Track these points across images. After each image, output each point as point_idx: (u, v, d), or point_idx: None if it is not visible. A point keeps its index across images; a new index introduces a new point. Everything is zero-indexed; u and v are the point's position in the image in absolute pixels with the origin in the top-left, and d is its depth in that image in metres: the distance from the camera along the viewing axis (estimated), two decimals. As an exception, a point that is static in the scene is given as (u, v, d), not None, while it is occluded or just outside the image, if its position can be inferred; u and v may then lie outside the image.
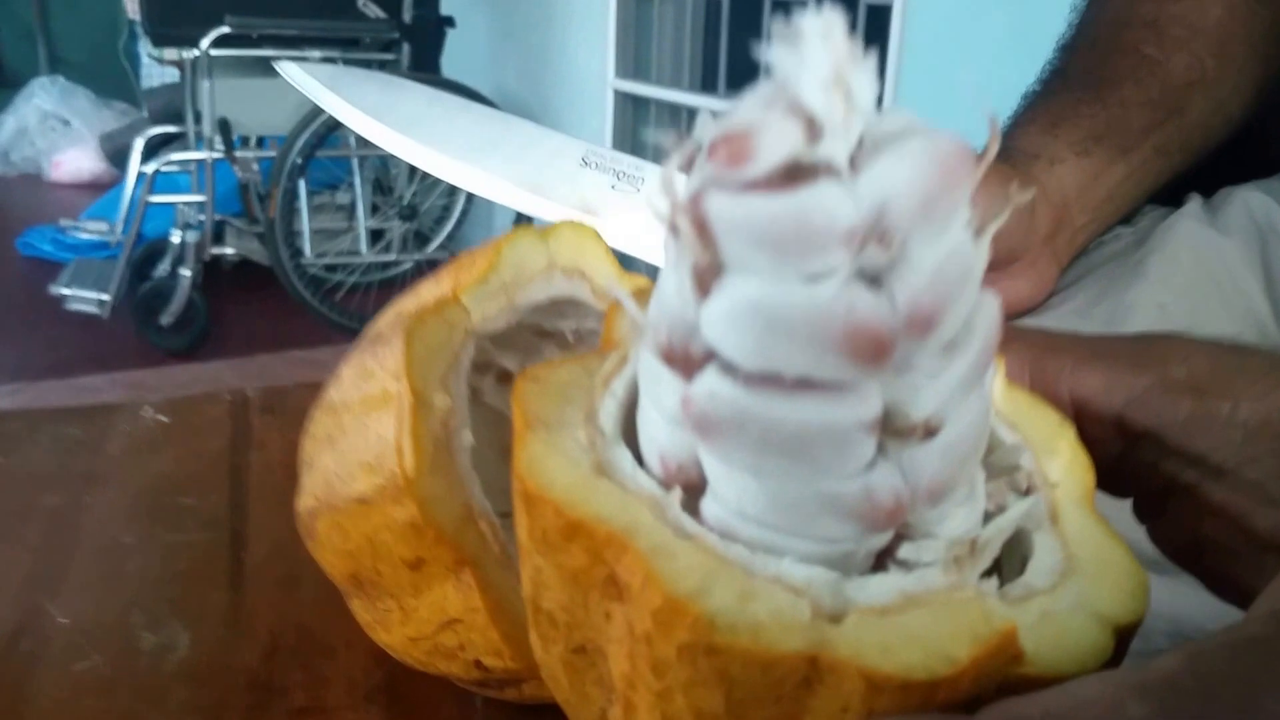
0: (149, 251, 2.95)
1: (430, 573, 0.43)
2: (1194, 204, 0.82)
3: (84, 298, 2.82)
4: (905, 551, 0.32)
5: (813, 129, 0.27)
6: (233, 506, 0.64)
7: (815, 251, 0.27)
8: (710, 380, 0.29)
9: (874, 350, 0.28)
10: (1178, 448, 0.38)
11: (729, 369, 0.29)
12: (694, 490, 0.33)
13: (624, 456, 0.34)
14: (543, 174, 0.73)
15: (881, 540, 0.32)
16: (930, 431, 0.30)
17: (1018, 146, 0.82)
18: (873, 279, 0.28)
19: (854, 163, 0.27)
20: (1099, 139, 0.81)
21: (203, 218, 2.89)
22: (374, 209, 3.44)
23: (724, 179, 0.27)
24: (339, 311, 3.14)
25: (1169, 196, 0.85)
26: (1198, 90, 0.84)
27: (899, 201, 0.27)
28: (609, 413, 0.35)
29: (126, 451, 0.72)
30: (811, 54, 0.27)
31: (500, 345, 0.49)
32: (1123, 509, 0.42)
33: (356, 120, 0.75)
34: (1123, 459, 0.40)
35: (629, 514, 0.31)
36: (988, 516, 0.35)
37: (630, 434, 0.35)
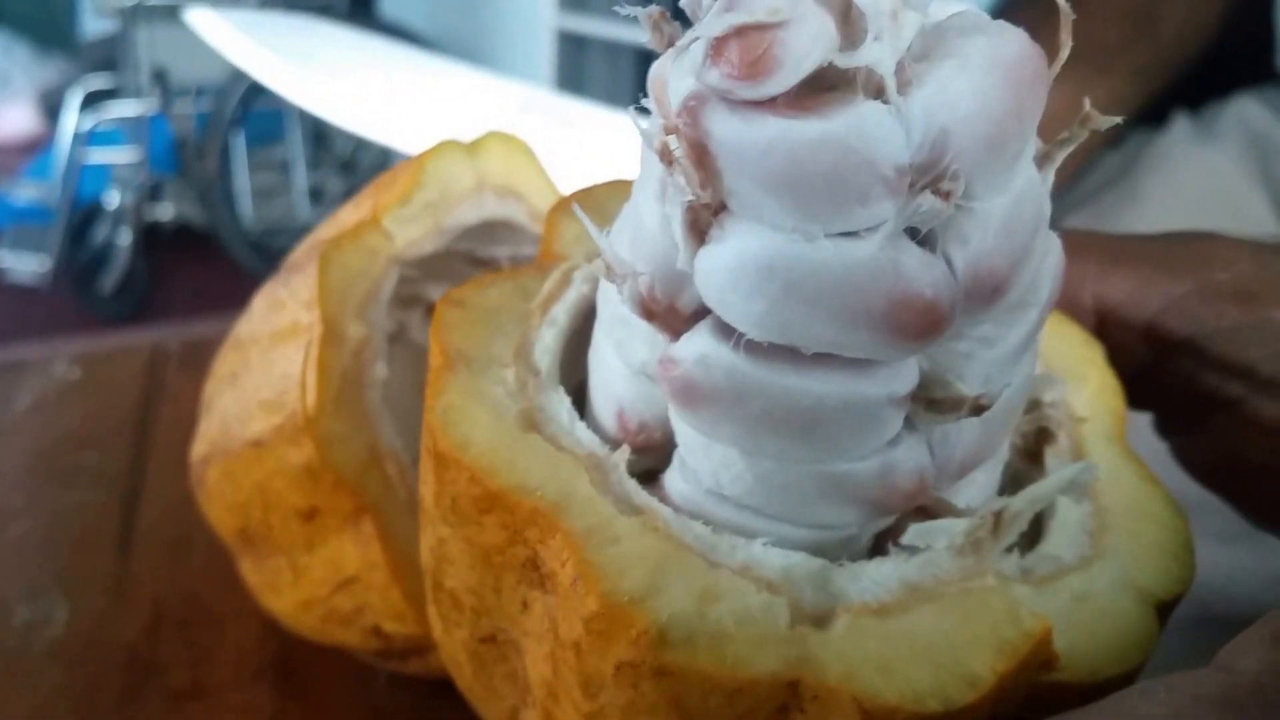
0: (87, 215, 2.79)
1: (325, 524, 0.37)
2: (1182, 121, 0.76)
3: (22, 267, 2.67)
4: (911, 536, 0.24)
5: (852, 24, 0.20)
6: (133, 464, 0.58)
7: (853, 198, 0.20)
8: (701, 343, 0.22)
9: (925, 327, 0.21)
10: (1221, 358, 0.32)
11: (727, 333, 0.22)
12: (654, 452, 0.26)
13: (561, 404, 0.26)
14: (476, 127, 0.66)
15: (889, 520, 0.25)
16: (980, 409, 0.23)
17: None
18: (926, 234, 0.21)
19: (903, 74, 0.20)
20: (1074, 58, 0.75)
21: (139, 178, 2.72)
22: (315, 164, 3.22)
23: (733, 92, 0.20)
24: (284, 274, 2.98)
25: (1153, 115, 0.79)
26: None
27: (964, 129, 0.20)
28: (546, 346, 0.28)
29: (32, 408, 0.66)
30: None
31: (429, 274, 0.42)
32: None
33: (271, 73, 0.67)
34: (1152, 371, 0.34)
35: (561, 482, 0.24)
36: (1013, 478, 0.28)
37: (572, 369, 0.28)
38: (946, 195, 0.20)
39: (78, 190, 2.68)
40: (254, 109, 2.79)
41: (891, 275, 0.20)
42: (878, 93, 0.20)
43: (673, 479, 0.25)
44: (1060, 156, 0.23)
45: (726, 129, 0.20)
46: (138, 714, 0.42)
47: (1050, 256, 0.24)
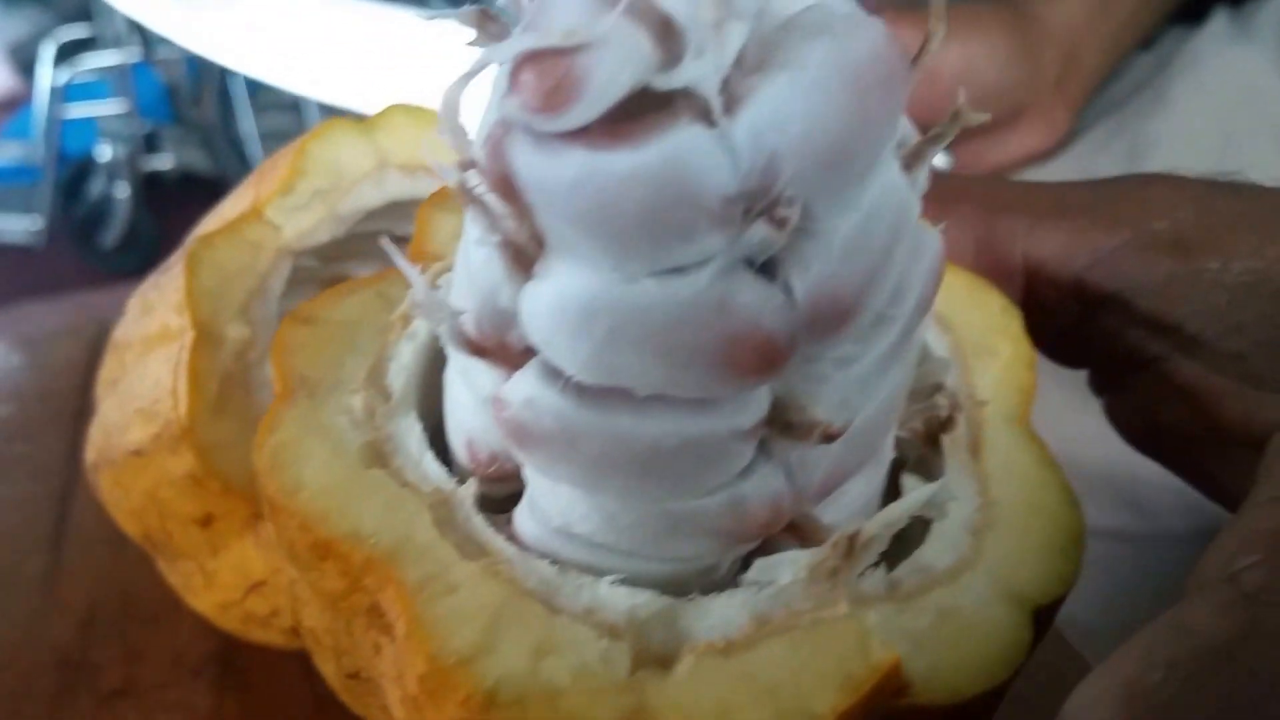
0: (78, 170, 2.73)
1: (223, 529, 0.35)
2: (1220, 18, 0.71)
3: (12, 227, 2.63)
4: (755, 572, 0.23)
5: (669, 39, 0.17)
6: (69, 455, 0.55)
7: (673, 235, 0.18)
8: (528, 385, 0.20)
9: (761, 364, 0.19)
10: (1148, 314, 0.31)
11: (555, 374, 0.20)
12: (510, 481, 0.24)
13: (411, 431, 0.24)
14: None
15: (750, 546, 0.23)
16: (830, 437, 0.21)
17: None
18: (763, 262, 0.19)
19: (731, 90, 0.17)
20: None
21: (130, 129, 2.65)
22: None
23: (533, 125, 0.17)
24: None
25: (1193, 11, 0.73)
26: None
27: (797, 152, 0.17)
28: (403, 364, 0.26)
29: (-31, 397, 0.62)
30: None
31: (348, 255, 0.39)
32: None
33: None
34: (1080, 327, 0.33)
35: (399, 526, 0.22)
36: (901, 457, 0.27)
37: (438, 386, 0.26)
38: (782, 223, 0.17)
39: (64, 146, 2.62)
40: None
41: (723, 312, 0.18)
42: (705, 113, 0.17)
43: (522, 517, 0.23)
44: (932, 154, 0.21)
45: (531, 164, 0.18)
46: (68, 716, 0.41)
47: (921, 261, 0.21)
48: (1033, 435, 0.28)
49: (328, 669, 0.26)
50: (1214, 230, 0.30)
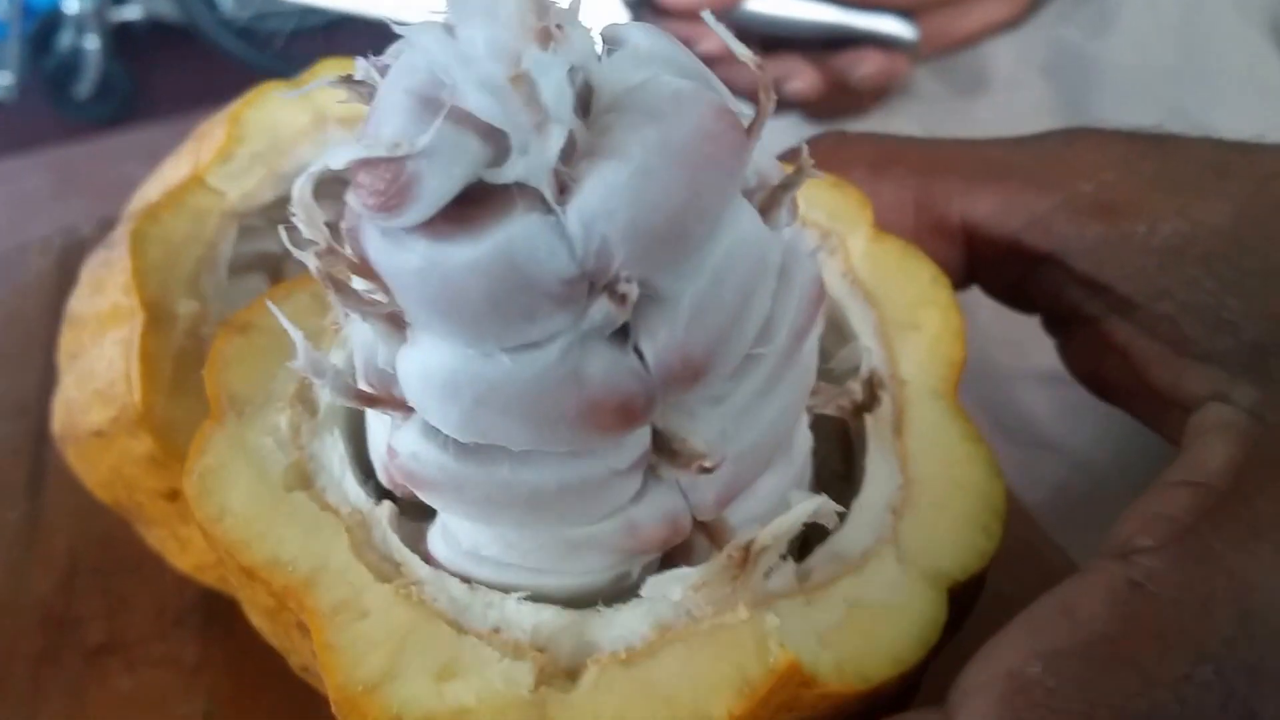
0: (46, 24, 2.78)
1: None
2: None
3: (-17, 84, 2.68)
4: (648, 590, 0.26)
5: (494, 139, 0.20)
6: (43, 389, 0.57)
7: (518, 316, 0.21)
8: (412, 440, 0.24)
9: (621, 422, 0.22)
10: (1083, 275, 0.34)
11: (434, 431, 0.23)
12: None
13: (333, 449, 0.28)
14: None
15: (656, 555, 0.27)
16: (707, 470, 0.25)
17: None
18: (615, 330, 0.22)
19: (562, 177, 0.20)
20: None
21: None
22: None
23: (375, 221, 0.21)
24: (283, 60, 2.93)
25: None
26: None
27: (628, 236, 0.20)
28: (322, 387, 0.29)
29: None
30: (473, 39, 0.20)
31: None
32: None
33: None
34: (1023, 281, 0.36)
35: (317, 550, 0.26)
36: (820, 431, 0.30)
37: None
38: (622, 299, 0.20)
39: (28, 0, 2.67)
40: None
41: (577, 381, 0.22)
42: (539, 201, 0.21)
43: (434, 539, 0.27)
44: (787, 198, 0.23)
45: (381, 253, 0.21)
46: (54, 675, 0.46)
47: (792, 292, 0.24)
48: (958, 409, 0.32)
49: (291, 662, 0.31)
50: (1139, 191, 0.33)
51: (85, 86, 2.69)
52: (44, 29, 2.72)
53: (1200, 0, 0.68)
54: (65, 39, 2.72)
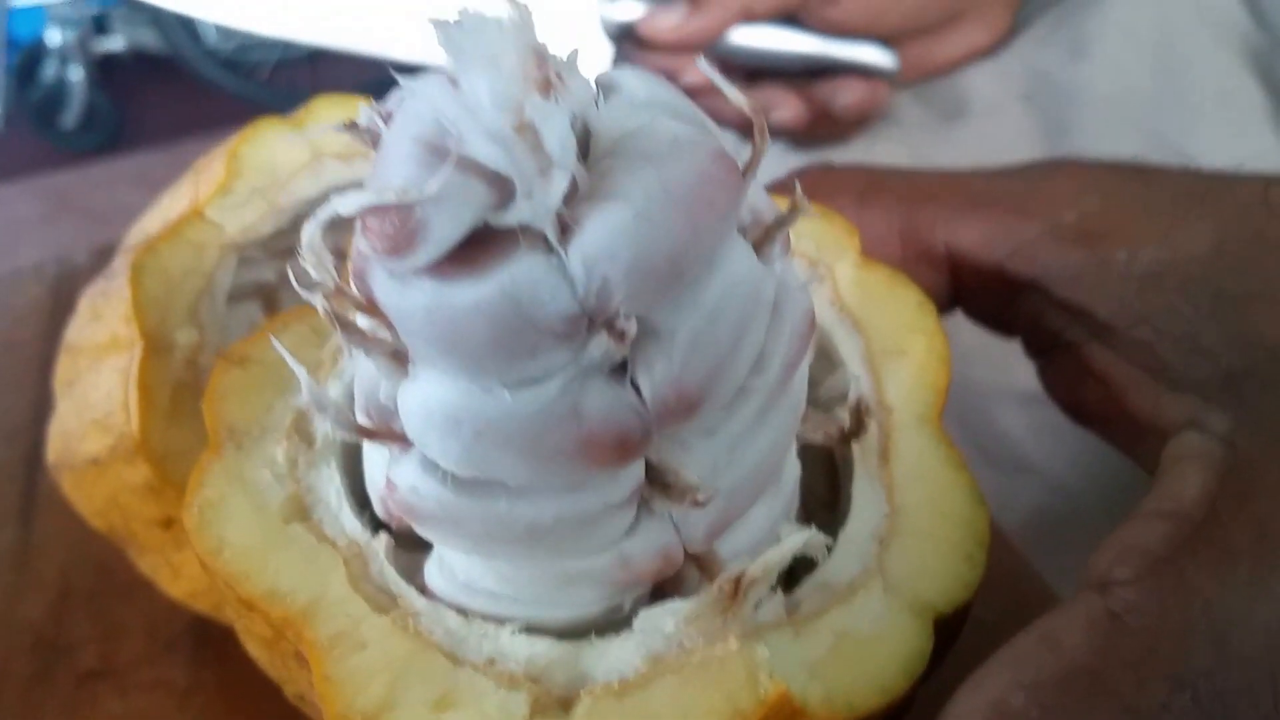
0: (31, 55, 2.79)
1: (185, 530, 0.39)
2: None
3: (-32, 116, 2.69)
4: (640, 623, 0.27)
5: (499, 185, 0.21)
6: (36, 414, 0.58)
7: (521, 354, 0.21)
8: (412, 473, 0.24)
9: (617, 456, 0.23)
10: (1065, 302, 0.35)
11: (434, 466, 0.24)
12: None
13: (330, 482, 0.28)
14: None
15: (647, 588, 0.27)
16: (699, 504, 0.25)
17: None
18: (613, 366, 0.23)
19: (564, 219, 0.21)
20: None
21: (78, 12, 2.70)
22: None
23: (384, 263, 0.21)
24: (268, 90, 2.94)
25: None
26: None
27: (628, 276, 0.21)
28: (323, 422, 0.30)
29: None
30: (477, 89, 0.20)
31: (290, 240, 0.43)
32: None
33: None
34: (1006, 307, 0.37)
35: (315, 582, 0.27)
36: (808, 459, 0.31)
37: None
38: (621, 336, 0.21)
39: (13, 32, 2.67)
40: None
41: (576, 416, 0.22)
42: (542, 242, 0.21)
43: (430, 571, 0.27)
44: (781, 235, 0.24)
45: (388, 292, 0.22)
46: (46, 699, 0.46)
47: (784, 327, 0.25)
48: (942, 436, 0.32)
49: (287, 691, 0.31)
50: (1120, 219, 0.34)
51: (71, 117, 2.70)
52: (28, 61, 2.73)
53: (1176, 25, 0.69)
54: (49, 70, 2.73)
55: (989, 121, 0.72)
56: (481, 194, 0.20)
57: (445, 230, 0.20)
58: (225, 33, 2.78)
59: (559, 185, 0.20)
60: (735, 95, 0.23)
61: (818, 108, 0.72)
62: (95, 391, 0.39)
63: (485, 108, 0.20)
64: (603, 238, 0.21)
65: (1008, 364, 0.61)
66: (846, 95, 0.71)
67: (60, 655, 0.47)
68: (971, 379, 0.64)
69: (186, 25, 2.69)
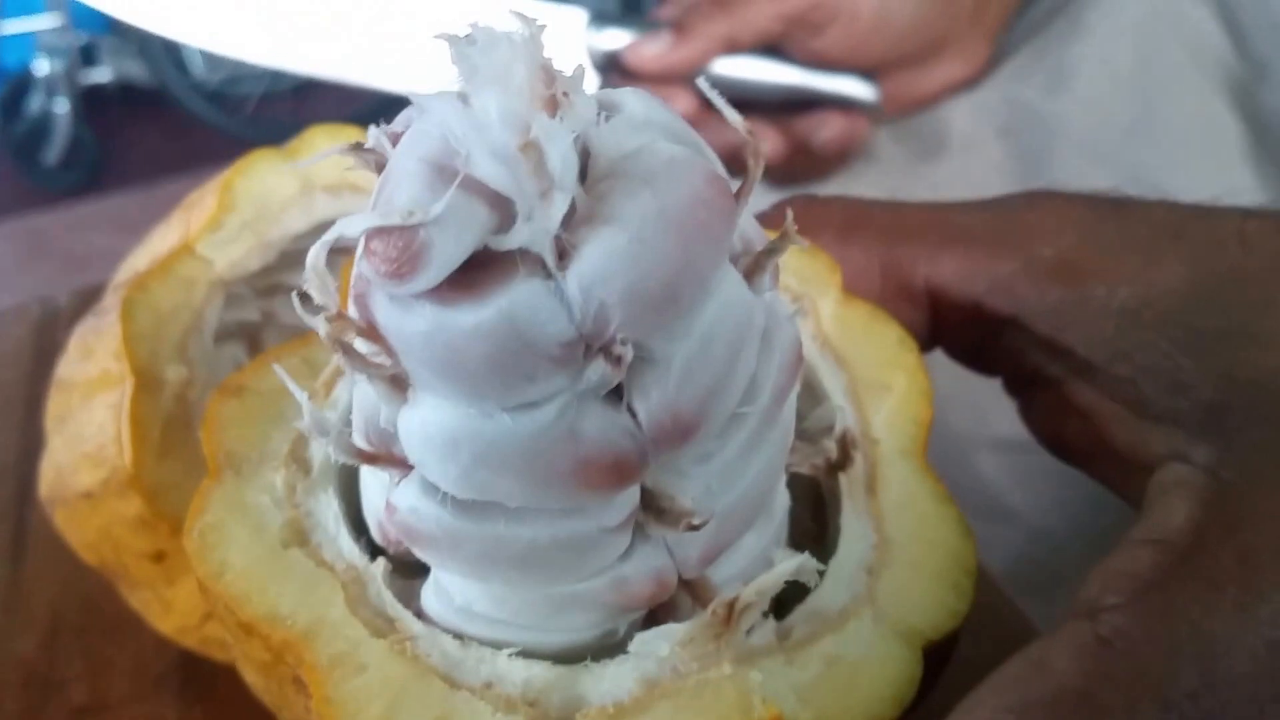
0: (17, 86, 2.77)
1: (177, 564, 0.40)
2: None
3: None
4: (636, 646, 0.27)
5: (501, 207, 0.21)
6: (23, 453, 0.58)
7: (519, 378, 0.22)
8: (411, 496, 0.25)
9: (614, 481, 0.23)
10: (1044, 338, 0.35)
11: (433, 488, 0.24)
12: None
13: (328, 507, 0.29)
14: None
15: (641, 613, 0.28)
16: (694, 528, 0.25)
17: None
18: (608, 391, 0.23)
19: (562, 243, 0.21)
20: None
21: (66, 41, 2.69)
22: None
23: (386, 287, 0.22)
24: (253, 124, 2.94)
25: None
26: None
27: (624, 301, 0.21)
28: (323, 445, 0.30)
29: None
30: (487, 106, 0.20)
31: (287, 264, 0.43)
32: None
33: None
34: (986, 344, 0.37)
35: (314, 606, 0.27)
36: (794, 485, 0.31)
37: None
38: (617, 361, 0.21)
39: (3, 60, 2.67)
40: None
41: (573, 440, 0.23)
42: (540, 266, 0.21)
43: (427, 596, 0.27)
44: (771, 264, 0.24)
45: (389, 316, 0.22)
46: (37, 736, 0.46)
47: (774, 356, 0.25)
48: (927, 469, 0.33)
49: (283, 717, 0.31)
50: (1098, 255, 0.34)
51: (54, 152, 2.68)
52: (14, 91, 2.71)
53: (1156, 53, 0.70)
54: (35, 102, 2.72)
55: (966, 158, 0.73)
56: (484, 217, 0.21)
57: (448, 254, 0.20)
58: (212, 64, 2.78)
59: (558, 208, 0.21)
60: (733, 115, 0.23)
61: (797, 143, 0.73)
62: (87, 426, 0.39)
63: (494, 125, 0.20)
64: (599, 263, 0.21)
65: (984, 410, 0.63)
66: (826, 130, 0.72)
67: (51, 692, 0.47)
68: (949, 426, 0.65)
69: (173, 56, 2.69)
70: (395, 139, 0.23)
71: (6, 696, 0.47)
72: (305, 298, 0.23)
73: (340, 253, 0.41)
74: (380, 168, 0.23)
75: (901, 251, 0.37)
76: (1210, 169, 0.67)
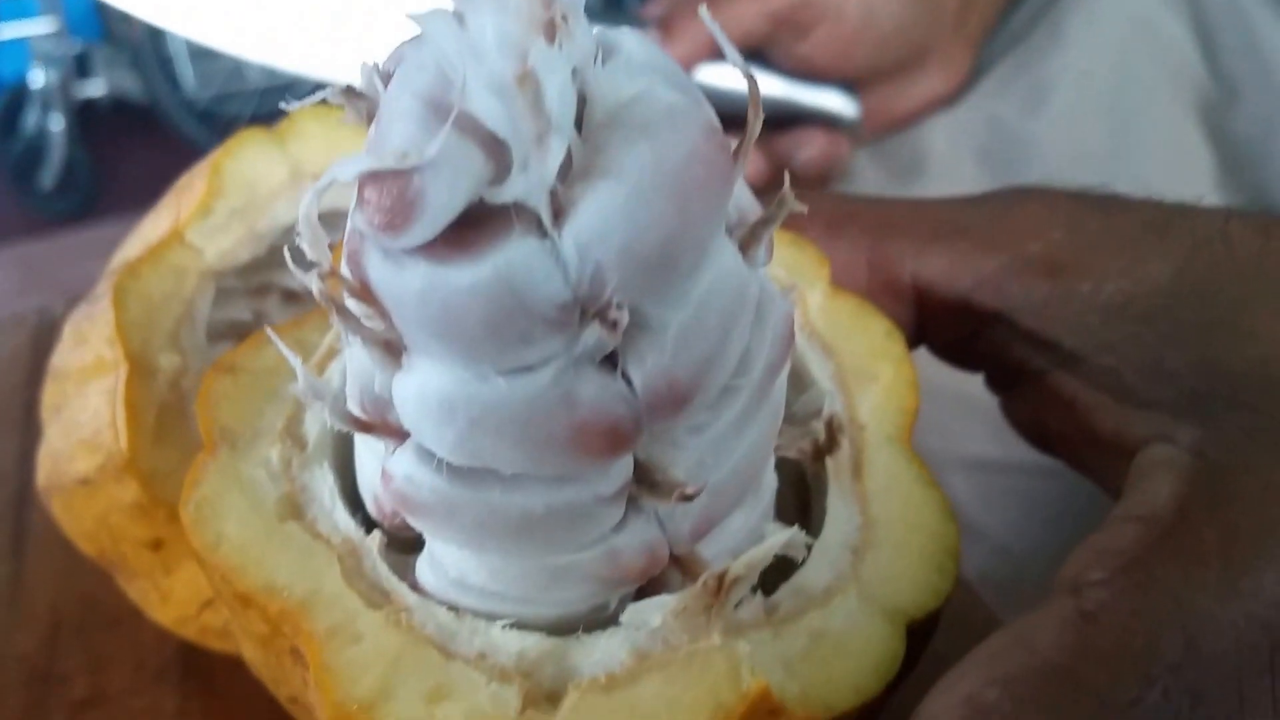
0: (13, 99, 2.74)
1: (174, 552, 0.40)
2: None
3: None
4: (628, 617, 0.27)
5: (497, 153, 0.21)
6: (22, 456, 0.58)
7: (514, 340, 0.21)
8: (407, 463, 0.25)
9: (609, 447, 0.23)
10: (1030, 332, 0.35)
11: (429, 455, 0.24)
12: (412, 529, 0.28)
13: (323, 481, 0.29)
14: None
15: (633, 587, 0.28)
16: (688, 498, 0.25)
17: None
18: (603, 357, 0.23)
19: (558, 199, 0.21)
20: None
21: (61, 49, 2.66)
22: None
23: (380, 241, 0.21)
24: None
25: None
26: None
27: (621, 261, 0.21)
28: (317, 413, 0.30)
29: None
30: (482, 29, 0.20)
31: (268, 267, 0.43)
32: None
33: None
34: (970, 340, 0.38)
35: (310, 577, 0.27)
36: (783, 472, 0.31)
37: (348, 434, 0.30)
38: (613, 325, 0.21)
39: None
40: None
41: (568, 404, 0.23)
42: (536, 224, 0.21)
43: (422, 568, 0.28)
44: (766, 234, 0.24)
45: (382, 275, 0.22)
46: (39, 730, 0.46)
47: (767, 329, 0.25)
48: (913, 455, 0.33)
49: (279, 693, 0.31)
50: (1084, 251, 0.35)
51: (50, 175, 2.66)
52: (10, 105, 2.69)
53: (1133, 72, 0.71)
54: (31, 118, 2.69)
55: (945, 180, 0.73)
56: (479, 163, 0.20)
57: (443, 203, 0.20)
58: (204, 80, 2.77)
59: (555, 156, 0.20)
60: (735, 57, 0.23)
61: (777, 162, 0.73)
62: (83, 413, 0.39)
63: (490, 50, 0.20)
64: (595, 221, 0.21)
65: (954, 432, 0.64)
66: (807, 150, 0.72)
67: (52, 687, 0.47)
68: (918, 446, 0.65)
69: (166, 69, 2.68)
70: (387, 79, 0.22)
71: (9, 693, 0.47)
72: (298, 254, 0.23)
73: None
74: (371, 116, 0.22)
75: (888, 246, 0.37)
76: (1180, 194, 0.68)
